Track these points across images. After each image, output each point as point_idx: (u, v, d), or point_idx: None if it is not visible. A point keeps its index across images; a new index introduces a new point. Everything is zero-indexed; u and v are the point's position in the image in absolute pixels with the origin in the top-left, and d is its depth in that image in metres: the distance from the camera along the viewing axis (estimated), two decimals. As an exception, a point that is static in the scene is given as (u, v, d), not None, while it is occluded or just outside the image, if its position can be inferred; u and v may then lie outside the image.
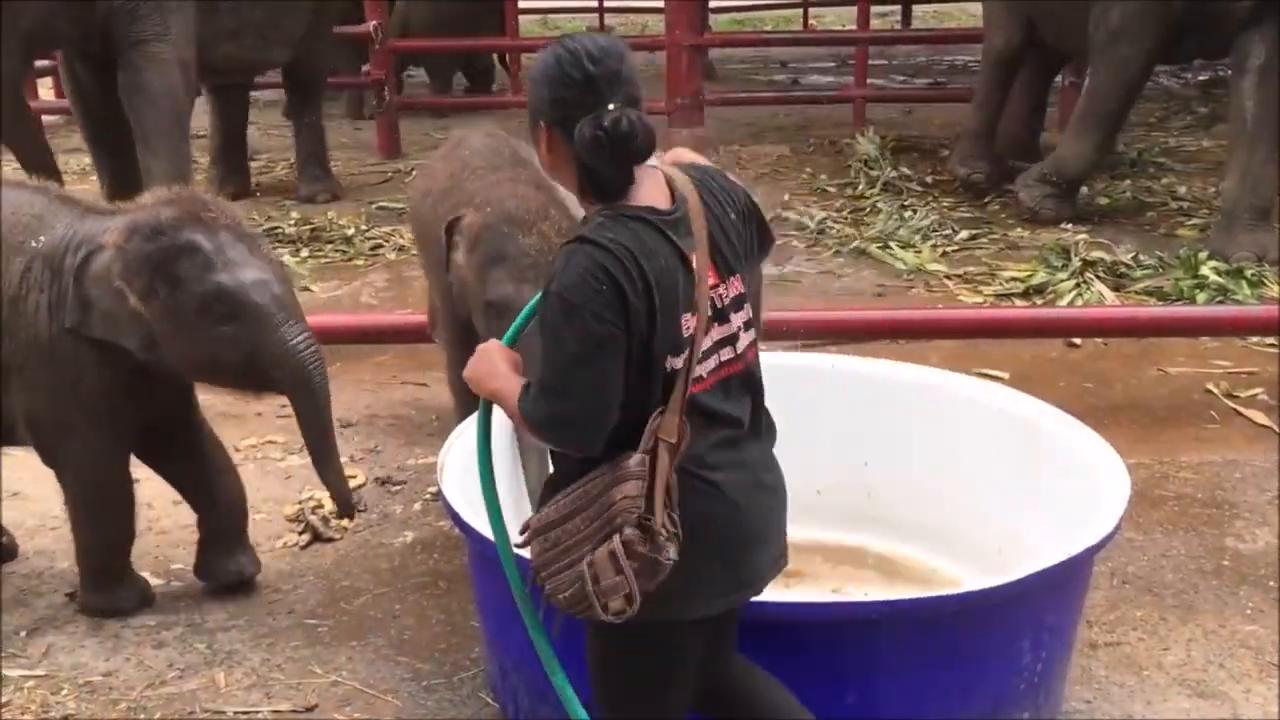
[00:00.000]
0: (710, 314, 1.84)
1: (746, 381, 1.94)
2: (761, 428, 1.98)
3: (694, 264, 1.82)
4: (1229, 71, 6.16)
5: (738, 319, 1.90)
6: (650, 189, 1.86)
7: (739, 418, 1.91)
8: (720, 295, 1.87)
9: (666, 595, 1.81)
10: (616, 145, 1.78)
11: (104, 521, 3.07)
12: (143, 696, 2.82)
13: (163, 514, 3.66)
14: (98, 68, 6.03)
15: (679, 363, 1.80)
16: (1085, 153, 6.35)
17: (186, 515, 3.65)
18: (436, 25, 9.65)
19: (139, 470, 3.20)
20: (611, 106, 1.79)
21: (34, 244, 2.85)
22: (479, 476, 2.11)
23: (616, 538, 1.75)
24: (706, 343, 1.84)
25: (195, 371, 2.88)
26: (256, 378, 2.82)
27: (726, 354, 1.88)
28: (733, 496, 1.88)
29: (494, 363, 1.96)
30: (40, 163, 5.44)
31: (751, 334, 1.93)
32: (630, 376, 1.80)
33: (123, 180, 5.88)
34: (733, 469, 1.89)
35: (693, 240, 1.83)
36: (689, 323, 1.81)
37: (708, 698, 2.10)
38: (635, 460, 1.77)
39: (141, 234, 2.74)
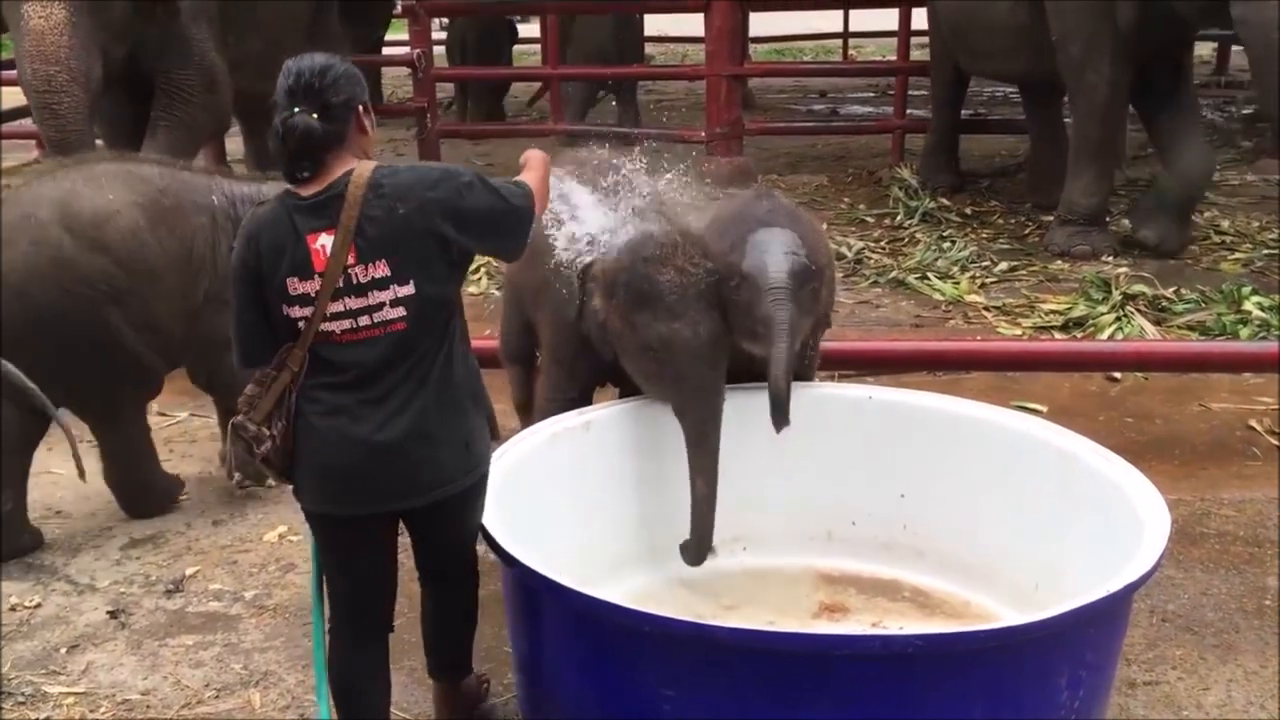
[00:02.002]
0: (343, 286, 2.26)
1: (389, 347, 2.30)
2: (405, 386, 2.32)
3: (313, 241, 2.26)
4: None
5: (382, 296, 2.28)
6: (321, 180, 2.29)
7: (364, 370, 2.31)
8: (357, 273, 2.27)
9: (298, 488, 2.40)
10: (285, 139, 2.26)
11: None
12: (179, 716, 2.85)
13: (201, 535, 3.70)
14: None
15: (298, 312, 2.28)
16: (1088, 186, 6.37)
17: (224, 537, 3.69)
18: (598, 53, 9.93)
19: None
20: (296, 110, 2.25)
21: (214, 200, 3.70)
22: None
23: (232, 419, 2.37)
24: (339, 307, 2.27)
25: None
26: None
27: (364, 320, 2.29)
28: (324, 425, 2.33)
29: None
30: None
31: (400, 310, 2.29)
32: (269, 317, 2.33)
33: None
34: (335, 407, 2.32)
35: (326, 222, 2.26)
36: (296, 284, 2.27)
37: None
38: (260, 372, 2.35)
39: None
